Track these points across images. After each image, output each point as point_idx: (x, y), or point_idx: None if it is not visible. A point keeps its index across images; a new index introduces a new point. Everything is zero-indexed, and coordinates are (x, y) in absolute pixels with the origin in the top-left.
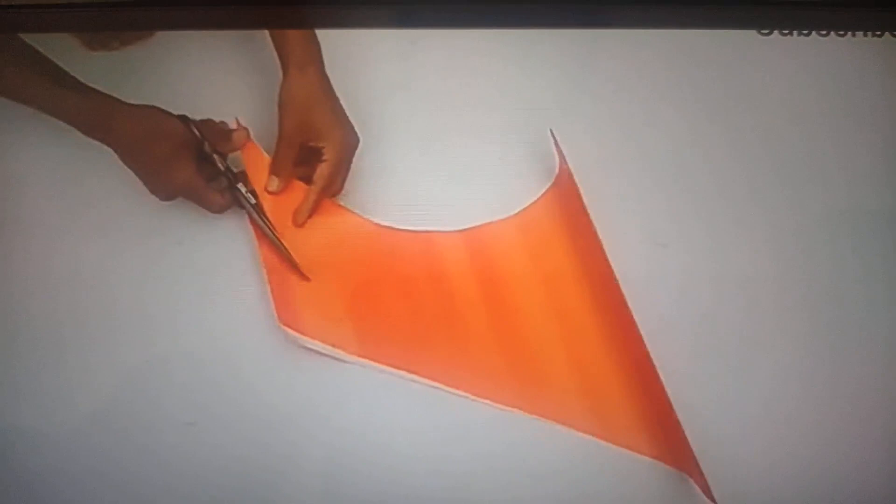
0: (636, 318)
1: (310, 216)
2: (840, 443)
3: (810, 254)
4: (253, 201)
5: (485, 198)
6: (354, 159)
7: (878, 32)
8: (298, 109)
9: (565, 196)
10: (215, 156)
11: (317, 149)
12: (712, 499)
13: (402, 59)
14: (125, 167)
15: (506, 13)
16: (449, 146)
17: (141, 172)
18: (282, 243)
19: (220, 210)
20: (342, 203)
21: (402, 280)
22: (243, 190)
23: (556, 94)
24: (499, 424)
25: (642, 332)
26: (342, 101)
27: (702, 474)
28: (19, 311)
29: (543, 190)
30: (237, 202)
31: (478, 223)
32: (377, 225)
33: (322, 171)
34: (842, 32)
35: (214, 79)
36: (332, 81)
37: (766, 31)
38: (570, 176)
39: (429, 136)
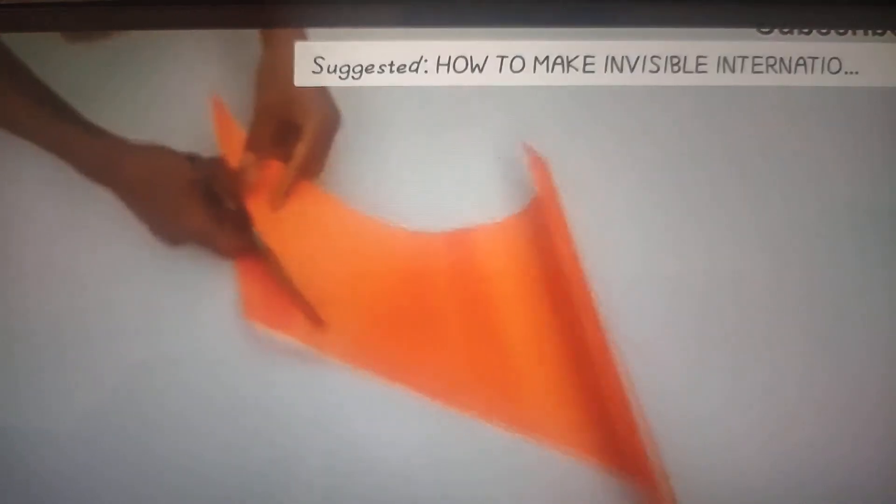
0: (619, 326)
1: (286, 196)
2: (836, 450)
3: (806, 256)
4: (266, 250)
5: (471, 201)
6: (341, 143)
7: (880, 31)
8: (278, 84)
9: (548, 206)
10: (226, 196)
11: (295, 125)
12: None
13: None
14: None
15: (498, 12)
16: (440, 143)
17: (146, 218)
18: (294, 286)
19: (233, 254)
20: (325, 188)
21: (376, 274)
22: (257, 234)
23: (560, 88)
24: (462, 431)
25: (630, 344)
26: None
27: (656, 484)
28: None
29: (528, 201)
30: (251, 244)
31: (461, 226)
32: (360, 214)
33: (300, 148)
34: (842, 31)
35: (193, 56)
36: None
37: (766, 30)
38: (554, 187)
39: (420, 130)
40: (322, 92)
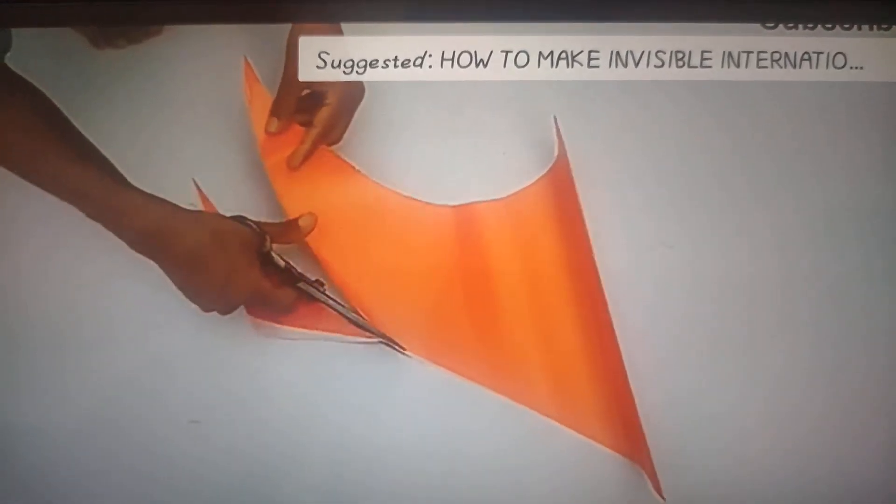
0: (621, 314)
1: (305, 159)
2: (838, 445)
3: (814, 252)
4: (325, 296)
5: (480, 175)
6: (361, 114)
7: (885, 26)
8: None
9: (559, 186)
10: (273, 254)
11: (320, 93)
12: (661, 494)
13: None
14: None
15: (502, 7)
16: (455, 117)
17: (200, 289)
18: (364, 321)
19: (290, 308)
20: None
21: (388, 243)
22: (304, 287)
23: (563, 82)
24: (464, 398)
25: (629, 329)
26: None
27: (653, 468)
28: (17, 311)
29: (538, 176)
30: (305, 295)
31: (470, 200)
32: (375, 183)
33: (322, 114)
34: (847, 26)
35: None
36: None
37: (771, 25)
38: (567, 166)
39: (437, 104)
40: None
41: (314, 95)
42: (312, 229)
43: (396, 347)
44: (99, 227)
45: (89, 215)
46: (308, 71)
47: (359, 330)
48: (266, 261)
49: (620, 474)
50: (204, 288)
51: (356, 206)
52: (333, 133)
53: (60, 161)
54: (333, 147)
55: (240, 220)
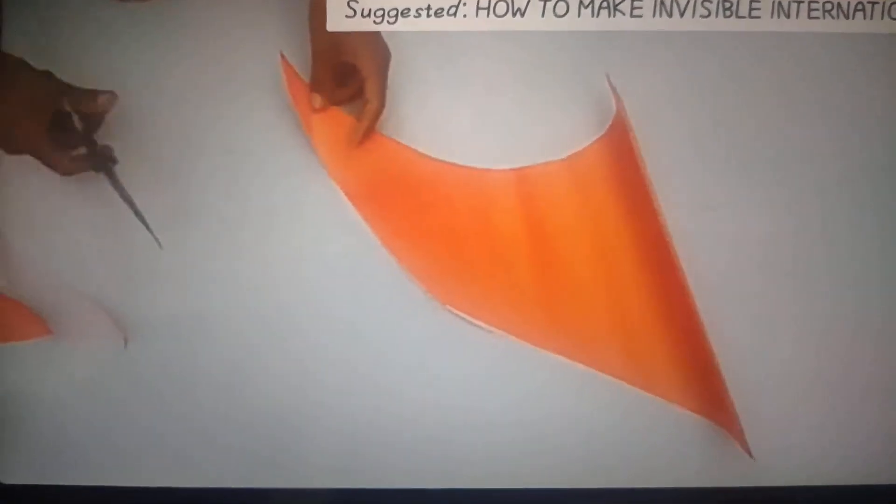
0: (692, 274)
1: (366, 136)
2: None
3: (857, 212)
4: (111, 166)
5: (538, 138)
6: (407, 91)
7: None
8: (324, 29)
9: (619, 143)
10: (74, 116)
11: (351, 65)
12: (748, 452)
13: None
14: None
15: None
16: (505, 83)
17: None
18: (141, 214)
19: (65, 173)
20: (392, 135)
21: (448, 214)
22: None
23: (609, 35)
24: (533, 365)
25: (701, 289)
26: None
27: (741, 430)
28: None
29: (598, 135)
30: (91, 166)
31: (529, 163)
32: (429, 158)
33: (371, 89)
34: None
35: (245, 15)
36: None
37: None
38: (626, 123)
39: (486, 72)
40: (372, 31)
41: (348, 69)
42: (110, 109)
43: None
44: None
45: None
46: (337, 21)
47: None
48: (61, 120)
49: (706, 437)
50: None
51: (410, 182)
52: (379, 100)
53: None
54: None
55: (46, 75)
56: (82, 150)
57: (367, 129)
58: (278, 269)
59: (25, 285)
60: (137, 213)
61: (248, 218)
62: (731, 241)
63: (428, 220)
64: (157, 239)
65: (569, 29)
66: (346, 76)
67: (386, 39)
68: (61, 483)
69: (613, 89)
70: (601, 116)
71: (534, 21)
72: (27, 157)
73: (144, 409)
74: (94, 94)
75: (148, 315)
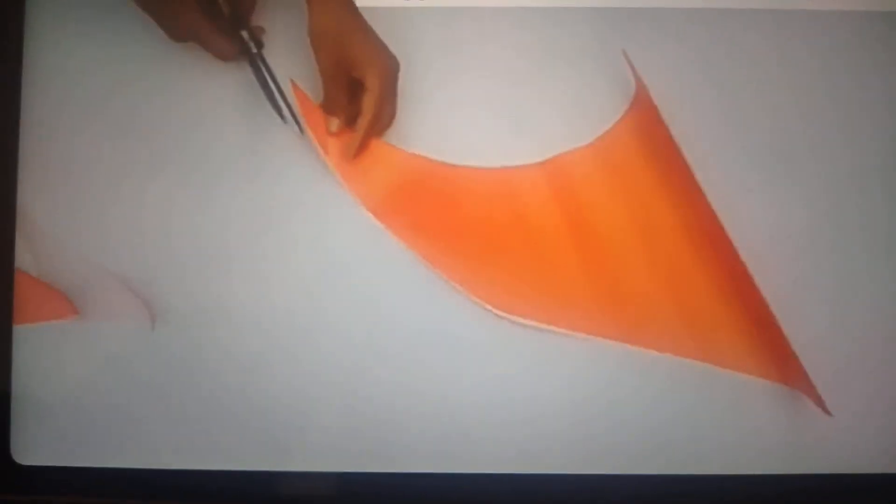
0: (738, 241)
1: (360, 150)
2: None
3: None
4: (255, 50)
5: (560, 126)
6: (413, 93)
7: None
8: (330, 44)
9: (645, 116)
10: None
11: (359, 80)
12: (827, 411)
13: None
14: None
15: None
16: (514, 74)
17: (152, 11)
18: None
19: (226, 56)
20: (404, 145)
21: (481, 222)
22: (246, 36)
23: (629, 14)
24: (596, 357)
25: (752, 256)
26: (392, 26)
27: (813, 388)
28: None
29: (622, 113)
30: (243, 50)
31: (555, 153)
32: (446, 165)
33: (367, 100)
34: None
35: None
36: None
37: None
38: (648, 95)
39: (492, 66)
40: (376, 41)
41: (355, 84)
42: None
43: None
44: None
45: None
46: None
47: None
48: (210, 4)
49: (781, 401)
50: (154, 11)
51: (439, 194)
52: (383, 117)
53: None
54: (388, 135)
55: None
56: (242, 33)
57: (362, 142)
58: (301, 266)
59: (51, 265)
60: (281, 99)
61: (273, 216)
62: (769, 222)
63: (463, 228)
64: (297, 123)
65: (587, 5)
66: (358, 93)
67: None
68: (78, 465)
69: (631, 65)
70: (622, 94)
71: None
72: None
73: (166, 392)
74: None
75: (174, 298)
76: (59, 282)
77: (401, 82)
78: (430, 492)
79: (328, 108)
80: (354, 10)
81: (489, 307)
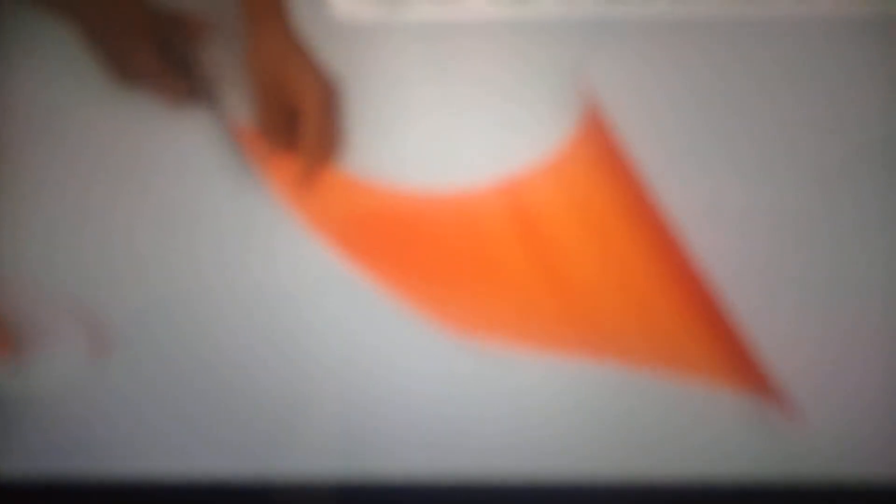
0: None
1: (308, 183)
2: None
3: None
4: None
5: (516, 145)
6: (364, 117)
7: None
8: (264, 69)
9: (600, 131)
10: (175, 40)
11: (294, 107)
12: (790, 415)
13: None
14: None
15: None
16: (468, 96)
17: (105, 50)
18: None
19: (178, 100)
20: (357, 170)
21: (438, 246)
22: (195, 79)
23: (581, 29)
24: (559, 373)
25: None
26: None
27: (777, 393)
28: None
29: (576, 130)
30: (195, 93)
31: (512, 173)
32: (398, 190)
33: (305, 131)
34: None
35: None
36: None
37: None
38: (602, 110)
39: (445, 87)
40: (312, 65)
41: (291, 111)
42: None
43: None
44: None
45: None
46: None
47: None
48: (165, 47)
49: (751, 410)
50: (104, 50)
51: (391, 219)
52: (324, 143)
53: None
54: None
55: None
56: (194, 75)
57: (308, 168)
58: (253, 294)
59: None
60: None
61: (224, 246)
62: (732, 230)
63: (420, 253)
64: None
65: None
66: (294, 118)
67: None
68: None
69: (585, 80)
70: (576, 111)
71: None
72: None
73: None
74: (183, 19)
75: (126, 326)
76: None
77: (353, 107)
78: None
79: (266, 133)
80: (291, 34)
81: (450, 330)
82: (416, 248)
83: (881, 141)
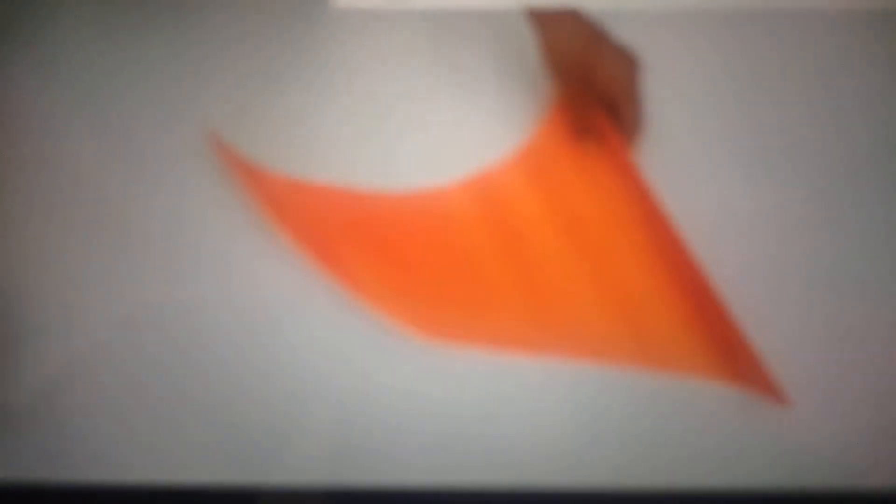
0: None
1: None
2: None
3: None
4: None
5: (481, 140)
6: (324, 117)
7: None
8: (564, 60)
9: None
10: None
11: (602, 92)
12: (786, 403)
13: None
14: None
15: None
16: (430, 89)
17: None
18: None
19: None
20: (317, 174)
21: (406, 248)
22: None
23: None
24: (539, 375)
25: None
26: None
27: (773, 384)
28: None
29: (542, 120)
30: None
31: (479, 168)
32: (360, 193)
33: (624, 113)
34: None
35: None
36: None
37: None
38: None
39: (405, 81)
40: (614, 47)
41: (596, 96)
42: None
43: None
44: None
45: None
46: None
47: None
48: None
49: (740, 401)
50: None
51: (359, 226)
52: (640, 119)
53: None
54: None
55: None
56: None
57: (625, 149)
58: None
59: None
60: None
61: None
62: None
63: (388, 257)
64: None
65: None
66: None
67: None
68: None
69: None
70: (542, 101)
71: None
72: None
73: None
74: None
75: (133, 307)
76: None
77: (311, 108)
78: None
79: (573, 121)
80: (582, 19)
81: (424, 335)
82: (381, 249)
83: (888, 145)
